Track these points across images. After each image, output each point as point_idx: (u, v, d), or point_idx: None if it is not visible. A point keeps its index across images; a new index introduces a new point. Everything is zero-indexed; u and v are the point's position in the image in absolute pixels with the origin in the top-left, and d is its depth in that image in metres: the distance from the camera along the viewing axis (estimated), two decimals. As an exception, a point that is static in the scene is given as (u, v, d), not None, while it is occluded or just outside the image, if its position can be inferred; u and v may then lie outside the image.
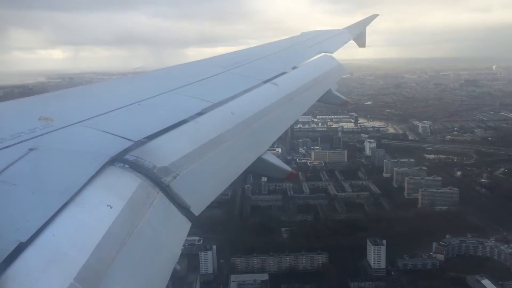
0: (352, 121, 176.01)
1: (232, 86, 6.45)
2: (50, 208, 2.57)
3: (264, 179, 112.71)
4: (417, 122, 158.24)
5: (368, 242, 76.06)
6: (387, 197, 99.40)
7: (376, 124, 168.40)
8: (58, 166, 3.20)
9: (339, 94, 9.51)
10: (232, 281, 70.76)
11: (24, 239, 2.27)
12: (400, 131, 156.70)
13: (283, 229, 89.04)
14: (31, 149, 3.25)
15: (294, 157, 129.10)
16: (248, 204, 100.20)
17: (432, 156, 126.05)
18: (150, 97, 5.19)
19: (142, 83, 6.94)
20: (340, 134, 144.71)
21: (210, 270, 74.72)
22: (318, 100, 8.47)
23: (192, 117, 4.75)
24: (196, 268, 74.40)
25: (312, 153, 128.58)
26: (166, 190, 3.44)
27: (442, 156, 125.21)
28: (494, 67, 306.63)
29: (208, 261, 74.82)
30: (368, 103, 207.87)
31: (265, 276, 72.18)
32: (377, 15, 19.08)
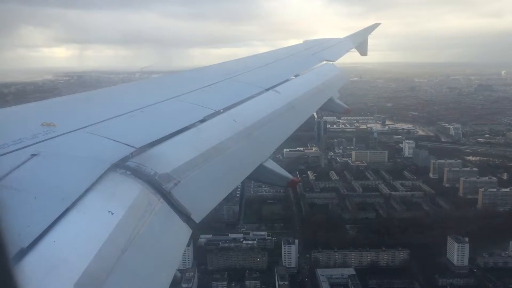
0: (379, 122, 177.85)
1: (234, 93, 6.49)
2: (52, 214, 2.57)
3: (312, 177, 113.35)
4: (446, 124, 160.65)
5: (450, 239, 76.58)
6: (442, 196, 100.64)
7: (403, 126, 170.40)
8: (60, 172, 3.22)
9: (340, 102, 9.64)
10: (321, 275, 71.15)
11: (25, 244, 2.28)
12: (431, 133, 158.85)
13: (347, 226, 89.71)
14: (33, 155, 3.27)
15: (334, 157, 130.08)
16: (305, 202, 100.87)
17: (472, 158, 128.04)
18: (152, 104, 5.23)
19: (145, 89, 7.00)
20: (375, 134, 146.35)
21: (293, 264, 75.90)
22: (320, 108, 8.52)
23: (194, 124, 4.81)
24: (276, 262, 74.80)
25: (353, 153, 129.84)
26: (167, 197, 3.46)
27: (483, 158, 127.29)
28: (503, 72, 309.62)
29: (291, 255, 75.80)
30: (388, 105, 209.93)
31: (351, 271, 72.92)
32: (379, 23, 19.47)
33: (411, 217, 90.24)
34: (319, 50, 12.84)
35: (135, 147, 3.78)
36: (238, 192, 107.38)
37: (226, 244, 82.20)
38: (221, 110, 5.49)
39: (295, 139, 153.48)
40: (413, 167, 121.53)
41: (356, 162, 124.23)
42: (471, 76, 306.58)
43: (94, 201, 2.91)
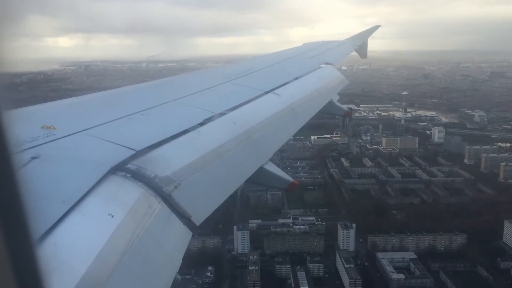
0: (400, 110, 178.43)
1: (234, 96, 6.52)
2: (52, 217, 2.58)
3: (345, 163, 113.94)
4: (469, 111, 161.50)
5: (507, 223, 77.78)
6: (482, 182, 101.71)
7: (426, 113, 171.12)
8: (60, 174, 3.22)
9: (340, 105, 9.68)
10: (382, 258, 72.08)
11: None
12: (454, 120, 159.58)
13: (393, 211, 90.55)
14: (33, 158, 3.28)
15: (363, 144, 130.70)
16: (346, 188, 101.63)
17: (503, 144, 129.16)
18: (153, 107, 5.26)
19: (144, 92, 7.04)
20: (403, 121, 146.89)
21: (352, 248, 77.16)
22: (320, 111, 8.49)
23: (194, 127, 4.81)
24: (331, 246, 75.88)
25: (383, 140, 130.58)
26: (168, 200, 3.48)
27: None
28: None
29: (350, 238, 76.94)
30: (405, 93, 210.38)
31: (412, 254, 73.94)
32: (378, 26, 19.62)
33: (457, 202, 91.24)
34: (319, 53, 12.77)
35: (135, 150, 3.79)
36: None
37: (279, 229, 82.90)
38: (221, 113, 5.50)
39: (319, 127, 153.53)
40: (446, 153, 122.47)
41: (388, 149, 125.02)
42: (481, 64, 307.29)
43: (94, 204, 2.92)
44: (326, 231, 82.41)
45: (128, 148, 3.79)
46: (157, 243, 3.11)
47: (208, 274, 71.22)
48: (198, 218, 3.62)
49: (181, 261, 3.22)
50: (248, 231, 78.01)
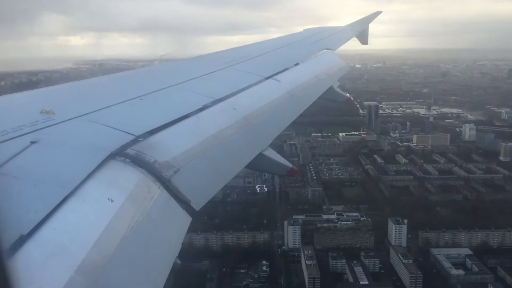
0: (424, 107, 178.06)
1: (234, 82, 6.49)
2: (51, 201, 2.59)
3: (379, 160, 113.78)
4: (495, 108, 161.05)
5: None
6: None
7: (451, 110, 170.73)
8: (59, 159, 3.22)
9: (341, 91, 9.54)
10: (437, 254, 71.92)
11: (25, 231, 2.30)
12: (480, 118, 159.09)
13: (437, 208, 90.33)
14: (32, 142, 3.28)
15: (392, 141, 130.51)
16: (385, 184, 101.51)
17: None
18: (152, 92, 5.25)
19: (144, 77, 7.04)
20: (431, 119, 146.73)
21: (403, 243, 77.24)
22: (320, 97, 8.38)
23: (194, 112, 4.80)
24: (381, 241, 76.68)
25: (414, 137, 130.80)
26: (167, 185, 3.48)
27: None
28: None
29: (402, 234, 76.97)
30: (425, 90, 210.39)
31: (467, 251, 73.75)
32: (380, 12, 19.25)
33: (501, 199, 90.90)
34: (319, 39, 12.61)
35: (134, 135, 3.78)
36: (313, 174, 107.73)
37: (325, 225, 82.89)
38: (221, 99, 5.46)
39: (345, 124, 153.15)
40: (479, 150, 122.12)
41: (419, 146, 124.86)
42: (497, 62, 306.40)
43: (94, 189, 2.91)
44: (373, 226, 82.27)
45: (128, 133, 3.78)
46: (157, 228, 3.09)
47: (264, 268, 71.14)
48: (198, 203, 3.60)
49: (181, 246, 3.20)
50: (300, 226, 77.92)
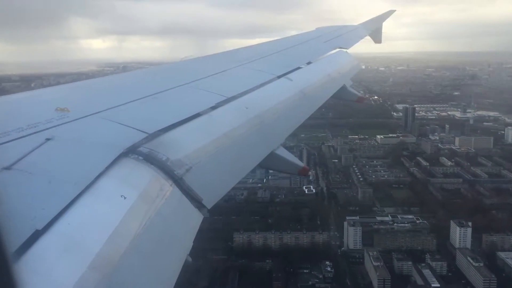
0: (458, 109, 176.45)
1: (246, 80, 6.42)
2: (66, 198, 2.60)
3: (424, 163, 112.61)
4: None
5: None
6: None
7: (488, 113, 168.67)
8: (73, 156, 3.25)
9: (353, 90, 9.39)
10: (506, 258, 70.64)
11: (40, 226, 2.32)
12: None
13: (493, 211, 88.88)
14: (47, 139, 3.30)
15: (433, 143, 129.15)
16: (435, 187, 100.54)
17: None
18: (165, 90, 5.23)
19: (157, 76, 7.00)
20: (471, 121, 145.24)
21: (468, 246, 76.11)
22: (332, 96, 8.30)
23: (206, 111, 4.80)
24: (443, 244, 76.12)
25: (457, 139, 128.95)
26: (179, 183, 3.47)
27: None
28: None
29: (467, 237, 76.02)
30: (456, 93, 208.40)
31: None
32: (393, 11, 18.84)
33: None
34: (332, 38, 12.46)
35: (147, 133, 3.79)
36: (359, 175, 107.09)
37: (382, 226, 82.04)
38: (233, 97, 5.44)
39: (381, 126, 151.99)
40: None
41: (462, 148, 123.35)
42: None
43: (107, 186, 2.94)
44: (431, 229, 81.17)
45: (141, 131, 3.80)
46: (169, 225, 3.12)
47: (328, 269, 70.44)
48: (209, 201, 3.60)
49: (192, 243, 3.19)
50: (361, 227, 77.09)
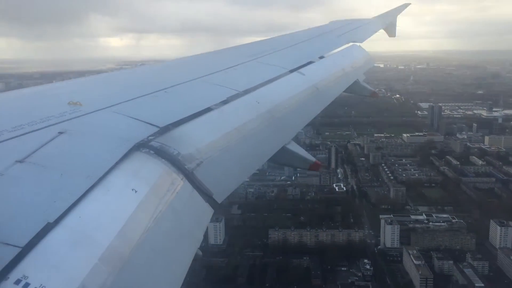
0: (484, 108, 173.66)
1: (258, 74, 6.34)
2: (77, 191, 2.64)
3: (454, 162, 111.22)
4: None
5: None
6: None
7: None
8: (85, 150, 3.25)
9: (366, 85, 9.17)
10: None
11: (51, 219, 2.35)
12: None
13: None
14: (60, 133, 3.31)
15: (462, 142, 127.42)
16: (467, 186, 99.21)
17: None
18: (177, 84, 5.20)
19: (169, 70, 6.94)
20: (500, 120, 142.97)
21: (509, 245, 75.07)
22: (345, 91, 8.18)
23: (217, 105, 4.76)
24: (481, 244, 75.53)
25: (487, 138, 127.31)
26: (190, 177, 3.46)
27: None
28: None
29: (508, 236, 75.93)
30: (480, 92, 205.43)
31: None
32: (408, 4, 18.07)
33: None
34: (345, 31, 12.17)
35: (159, 127, 3.79)
36: (389, 174, 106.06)
37: (417, 225, 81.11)
38: (245, 91, 5.40)
39: (406, 125, 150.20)
40: None
41: (492, 147, 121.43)
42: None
43: (119, 179, 2.96)
44: (469, 228, 79.95)
45: (152, 125, 3.80)
46: (179, 219, 3.12)
47: (367, 267, 69.79)
48: (220, 195, 3.59)
49: (202, 237, 3.19)
50: (399, 226, 76.22)
